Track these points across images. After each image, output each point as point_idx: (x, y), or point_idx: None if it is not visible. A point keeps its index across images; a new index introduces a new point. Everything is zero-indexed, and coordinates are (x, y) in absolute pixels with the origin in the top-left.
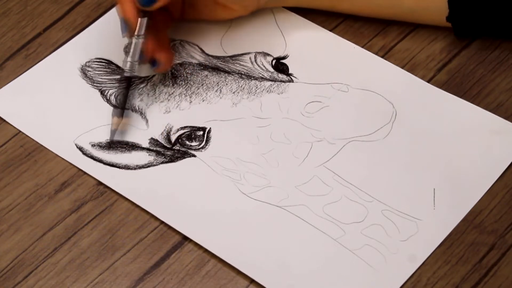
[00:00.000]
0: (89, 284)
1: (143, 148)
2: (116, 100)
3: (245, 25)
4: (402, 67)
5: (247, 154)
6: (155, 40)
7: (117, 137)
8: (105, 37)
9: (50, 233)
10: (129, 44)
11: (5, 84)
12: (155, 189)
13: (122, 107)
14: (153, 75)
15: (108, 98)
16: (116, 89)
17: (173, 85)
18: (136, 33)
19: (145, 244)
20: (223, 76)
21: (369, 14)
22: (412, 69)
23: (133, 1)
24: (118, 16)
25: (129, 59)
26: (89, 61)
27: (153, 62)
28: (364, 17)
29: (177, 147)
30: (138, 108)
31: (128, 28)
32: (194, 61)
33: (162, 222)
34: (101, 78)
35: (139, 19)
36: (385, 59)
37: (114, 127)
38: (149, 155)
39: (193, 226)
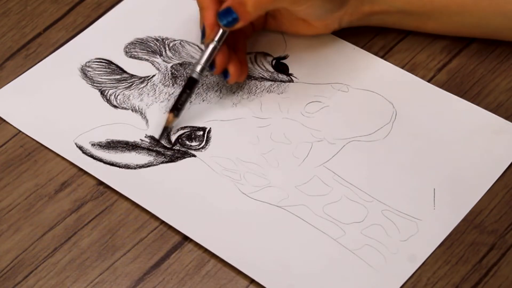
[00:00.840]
0: (89, 284)
1: (143, 148)
2: (178, 98)
3: None
4: (402, 67)
5: (247, 154)
6: (229, 52)
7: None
8: (105, 37)
9: (50, 233)
10: (204, 48)
11: (5, 84)
12: (155, 188)
13: (181, 107)
14: (153, 75)
15: (108, 98)
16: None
17: (173, 85)
18: (210, 38)
19: (145, 244)
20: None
21: (455, 34)
22: (412, 69)
23: (214, 11)
24: (199, 24)
25: (201, 62)
26: (89, 61)
27: (225, 74)
28: None
29: (177, 147)
30: (138, 108)
31: (204, 35)
32: (194, 61)
33: (162, 222)
34: (101, 78)
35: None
36: (385, 59)
37: (168, 124)
38: (149, 155)
39: (193, 226)
